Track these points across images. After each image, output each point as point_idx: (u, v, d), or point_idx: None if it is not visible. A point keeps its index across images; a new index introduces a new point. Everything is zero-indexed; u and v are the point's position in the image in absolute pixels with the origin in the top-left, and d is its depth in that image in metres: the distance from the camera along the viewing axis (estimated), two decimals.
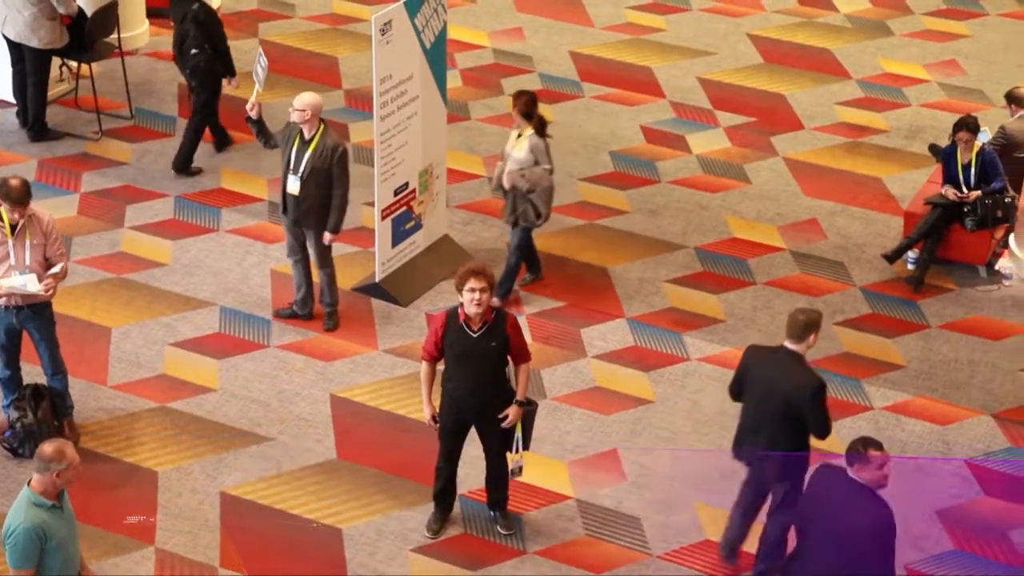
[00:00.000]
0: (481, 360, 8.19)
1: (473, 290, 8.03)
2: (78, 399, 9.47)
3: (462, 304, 8.13)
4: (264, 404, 9.73)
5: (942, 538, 8.81)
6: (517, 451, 8.41)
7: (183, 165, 12.23)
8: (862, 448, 7.08)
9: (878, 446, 7.10)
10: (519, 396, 8.32)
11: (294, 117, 9.91)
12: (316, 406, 9.73)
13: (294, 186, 9.99)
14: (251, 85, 10.27)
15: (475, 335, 8.13)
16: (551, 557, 8.59)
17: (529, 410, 8.42)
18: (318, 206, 10.03)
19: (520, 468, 8.51)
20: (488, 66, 14.37)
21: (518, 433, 8.36)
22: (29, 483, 6.98)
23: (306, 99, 9.90)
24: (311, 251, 10.30)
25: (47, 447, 6.94)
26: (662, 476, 9.24)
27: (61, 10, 12.20)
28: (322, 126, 9.94)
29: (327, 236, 10.12)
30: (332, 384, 9.95)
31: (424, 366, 8.42)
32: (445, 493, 8.72)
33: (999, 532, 8.85)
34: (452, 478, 8.68)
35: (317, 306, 10.53)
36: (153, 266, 11.10)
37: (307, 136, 9.91)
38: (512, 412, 8.31)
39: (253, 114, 10.12)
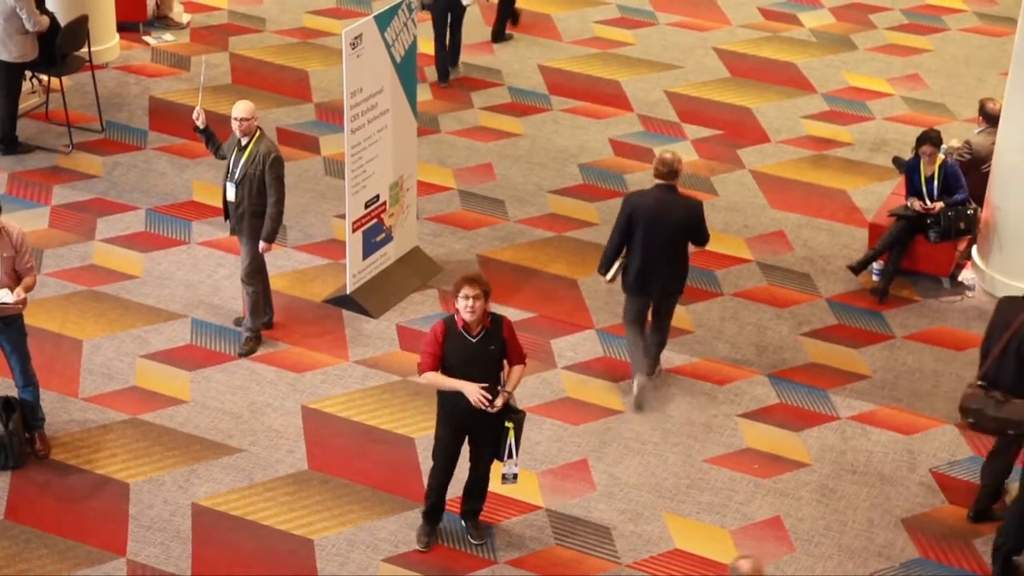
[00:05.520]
0: (481, 365, 8.22)
1: (467, 297, 8.07)
2: (49, 411, 9.47)
3: (457, 311, 8.20)
4: (235, 416, 9.75)
5: (907, 546, 8.90)
6: (511, 457, 8.46)
7: (499, 34, 15.25)
8: None
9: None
10: (508, 388, 8.25)
11: (240, 128, 9.83)
12: (287, 418, 9.77)
13: (231, 192, 9.98)
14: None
15: (475, 340, 8.20)
16: (521, 566, 8.64)
17: (518, 419, 8.46)
18: (251, 214, 9.96)
19: (515, 475, 8.49)
20: (458, 79, 14.43)
21: (511, 440, 8.40)
22: None
23: (248, 107, 9.84)
24: (240, 263, 10.21)
25: None
26: (631, 486, 9.32)
27: (30, 27, 12.16)
28: (258, 133, 9.90)
29: (262, 245, 10.04)
30: (303, 396, 9.98)
31: (428, 375, 8.30)
32: (436, 509, 8.73)
33: (963, 540, 8.96)
34: (444, 492, 8.66)
35: (275, 316, 10.50)
36: (124, 278, 11.11)
37: (244, 143, 9.90)
38: (500, 399, 8.21)
39: (199, 123, 10.11)
